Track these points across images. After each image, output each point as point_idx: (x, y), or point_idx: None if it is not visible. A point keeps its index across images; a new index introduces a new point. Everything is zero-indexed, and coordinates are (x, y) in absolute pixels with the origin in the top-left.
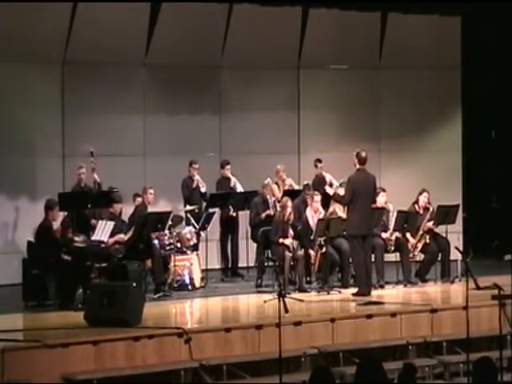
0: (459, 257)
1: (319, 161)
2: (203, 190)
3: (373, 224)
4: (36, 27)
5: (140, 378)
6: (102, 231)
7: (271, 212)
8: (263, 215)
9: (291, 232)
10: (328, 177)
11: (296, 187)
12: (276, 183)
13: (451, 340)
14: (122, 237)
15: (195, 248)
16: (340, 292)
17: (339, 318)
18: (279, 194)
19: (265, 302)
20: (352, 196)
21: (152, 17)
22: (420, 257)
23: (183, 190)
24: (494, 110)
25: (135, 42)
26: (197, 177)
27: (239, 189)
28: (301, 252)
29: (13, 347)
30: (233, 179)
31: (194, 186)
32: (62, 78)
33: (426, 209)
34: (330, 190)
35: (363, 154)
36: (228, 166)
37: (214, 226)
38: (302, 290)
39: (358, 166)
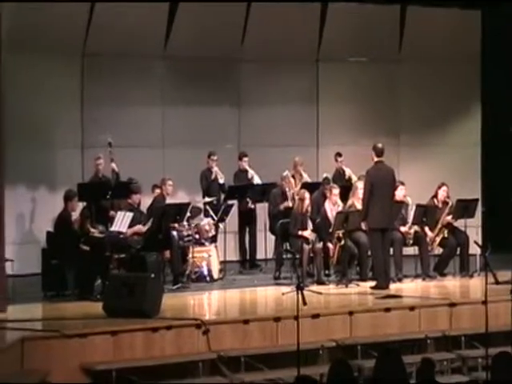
0: (478, 251)
1: (339, 155)
2: (221, 181)
3: (393, 217)
4: (56, 20)
5: (158, 368)
6: (121, 222)
7: (289, 204)
8: (282, 206)
9: (310, 225)
10: (348, 171)
11: (308, 180)
12: (293, 176)
13: (470, 334)
14: (140, 228)
15: (213, 240)
16: (358, 285)
17: (357, 311)
18: (296, 188)
19: (283, 294)
20: (371, 189)
21: (171, 9)
22: (438, 251)
23: (202, 181)
24: None
25: (154, 34)
26: (215, 168)
27: (257, 181)
28: (319, 245)
29: (32, 337)
30: (250, 172)
31: (213, 177)
32: (82, 70)
33: (445, 203)
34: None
35: (379, 146)
36: (246, 159)
37: (232, 218)
38: (320, 282)
39: (375, 159)
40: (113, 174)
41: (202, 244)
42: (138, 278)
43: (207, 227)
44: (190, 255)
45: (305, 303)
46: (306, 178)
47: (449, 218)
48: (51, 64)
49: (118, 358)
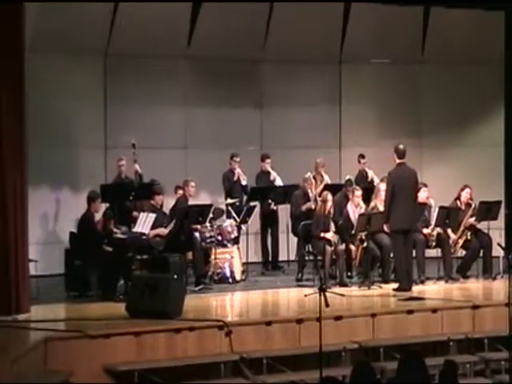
0: (501, 253)
1: (362, 156)
2: (244, 182)
3: (415, 219)
4: (79, 20)
5: (180, 369)
6: (144, 223)
7: (312, 205)
8: (304, 207)
9: (332, 226)
10: (370, 173)
11: (329, 182)
12: (314, 177)
13: (493, 337)
14: (163, 230)
15: (236, 241)
16: (381, 287)
17: (380, 313)
18: (317, 189)
19: (305, 295)
20: (393, 191)
21: (194, 9)
22: (461, 253)
23: (224, 182)
24: None
25: (177, 34)
26: (238, 170)
27: (279, 183)
28: (342, 246)
29: (55, 337)
30: (273, 173)
31: (235, 178)
32: (105, 70)
33: (468, 205)
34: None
35: (401, 147)
36: (268, 160)
37: (254, 220)
38: (342, 284)
39: (397, 161)
40: (136, 175)
41: (225, 245)
42: (160, 279)
43: (229, 228)
44: (213, 256)
45: (327, 305)
46: (327, 180)
47: (472, 220)
48: (74, 64)
49: (141, 359)
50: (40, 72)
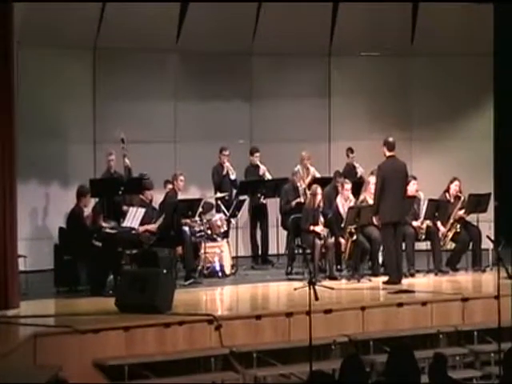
0: (491, 246)
1: (351, 150)
2: (233, 176)
3: (405, 211)
4: (68, 14)
5: (170, 364)
6: (133, 218)
7: (301, 199)
8: (293, 203)
9: (322, 220)
10: (359, 169)
11: (317, 175)
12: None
13: (482, 329)
14: (153, 226)
15: (225, 235)
16: (370, 280)
17: (369, 307)
18: (306, 182)
19: (295, 289)
20: (383, 183)
21: (183, 3)
22: (451, 245)
23: (213, 176)
24: None
25: (166, 28)
26: (227, 163)
27: (268, 177)
28: (331, 240)
29: (45, 332)
30: (262, 167)
31: (225, 172)
32: (94, 64)
33: (457, 197)
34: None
35: (391, 140)
36: (257, 154)
37: (244, 214)
38: (332, 277)
39: (387, 154)
40: (125, 169)
41: (214, 239)
42: (150, 273)
43: (219, 223)
44: (202, 251)
45: (317, 298)
46: (314, 172)
47: (461, 212)
48: (63, 58)
49: (131, 354)
50: (29, 66)
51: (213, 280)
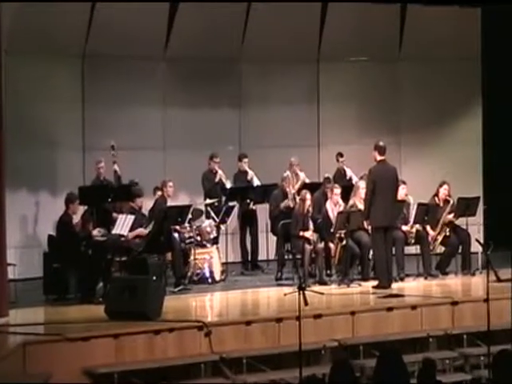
0: (480, 249)
1: (341, 155)
2: (228, 185)
3: (395, 216)
4: (56, 21)
5: (160, 371)
6: (122, 225)
7: (290, 203)
8: (282, 205)
9: (311, 225)
10: (349, 172)
11: (307, 181)
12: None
13: (472, 332)
14: (142, 231)
15: (215, 241)
16: (360, 285)
17: (359, 311)
18: (295, 187)
19: (285, 294)
20: (373, 188)
21: (171, 10)
22: (440, 249)
23: (204, 183)
24: None
25: (155, 36)
26: (220, 172)
27: (256, 183)
28: (321, 245)
29: (34, 341)
30: (250, 173)
31: (217, 180)
32: (82, 72)
33: (447, 201)
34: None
35: (381, 144)
36: (245, 160)
37: (234, 220)
38: (322, 282)
39: (378, 158)
40: (115, 176)
41: (204, 246)
42: (139, 280)
43: (209, 229)
44: (192, 257)
45: (306, 303)
46: (304, 177)
47: (450, 216)
48: (52, 65)
49: (120, 361)
50: (17, 73)
51: (203, 286)
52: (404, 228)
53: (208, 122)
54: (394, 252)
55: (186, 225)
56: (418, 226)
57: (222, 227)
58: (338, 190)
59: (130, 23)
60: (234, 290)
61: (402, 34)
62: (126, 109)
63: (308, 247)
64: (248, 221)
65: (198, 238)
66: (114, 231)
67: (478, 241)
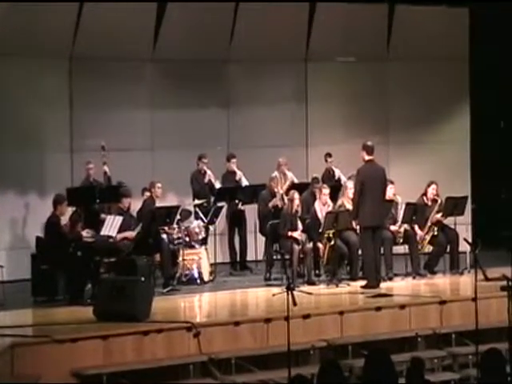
0: (468, 248)
1: (329, 155)
2: (217, 185)
3: (384, 215)
4: (44, 22)
5: (149, 372)
6: (111, 226)
7: (278, 202)
8: (270, 204)
9: (300, 225)
10: (337, 172)
11: (295, 181)
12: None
13: (460, 332)
14: (131, 233)
15: (204, 242)
16: (349, 285)
17: (348, 311)
18: (284, 188)
19: (273, 295)
20: (361, 188)
21: (159, 11)
22: (429, 249)
23: (192, 183)
24: (503, 100)
25: (142, 37)
26: (209, 172)
27: (244, 183)
28: (309, 245)
29: (22, 342)
30: (238, 173)
31: (206, 181)
32: (70, 74)
33: (435, 201)
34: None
35: (369, 144)
36: (234, 160)
37: (222, 220)
38: (310, 282)
39: (366, 158)
40: (105, 177)
41: (193, 246)
42: (128, 281)
43: (197, 230)
44: (181, 258)
45: (295, 304)
46: (292, 177)
47: (438, 215)
48: (39, 67)
49: (109, 363)
50: (5, 75)
51: (191, 287)
52: (392, 228)
53: (196, 123)
54: (382, 252)
55: (175, 225)
56: (406, 226)
57: (211, 228)
58: (326, 191)
59: (118, 24)
60: (222, 291)
61: (390, 34)
62: (114, 110)
63: (296, 247)
64: (236, 221)
65: (187, 239)
66: (102, 232)
67: (466, 240)
